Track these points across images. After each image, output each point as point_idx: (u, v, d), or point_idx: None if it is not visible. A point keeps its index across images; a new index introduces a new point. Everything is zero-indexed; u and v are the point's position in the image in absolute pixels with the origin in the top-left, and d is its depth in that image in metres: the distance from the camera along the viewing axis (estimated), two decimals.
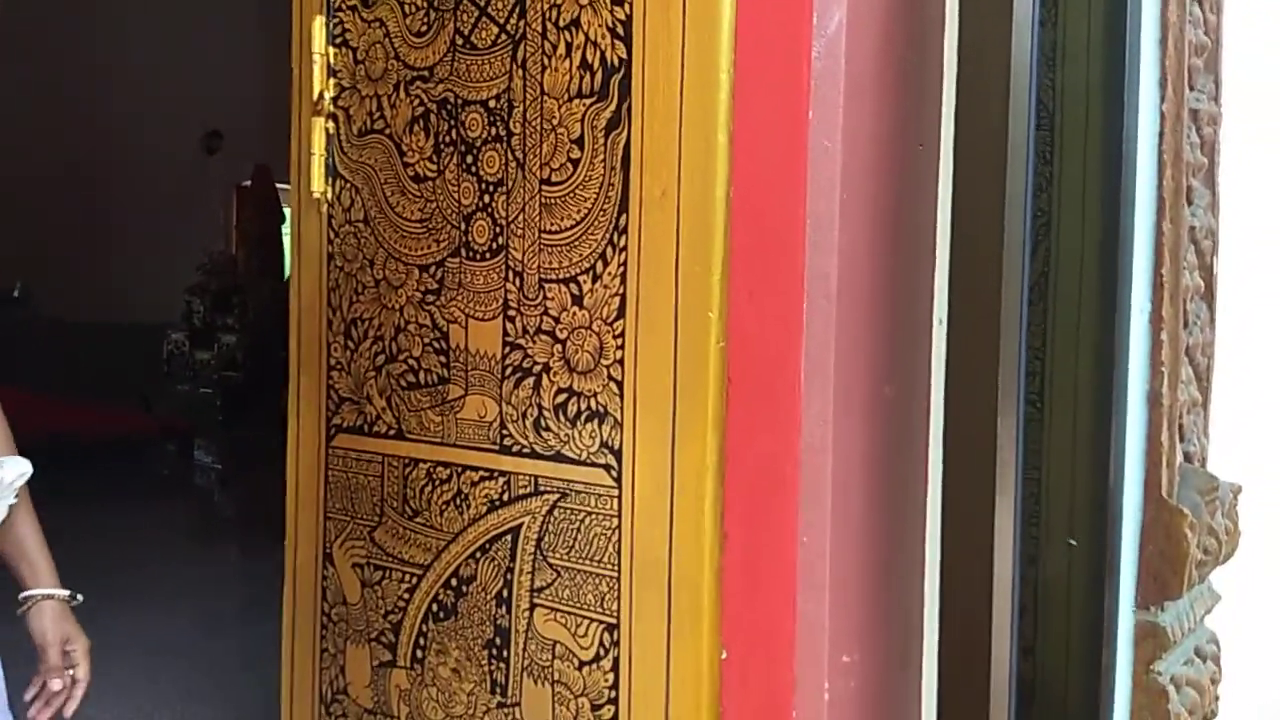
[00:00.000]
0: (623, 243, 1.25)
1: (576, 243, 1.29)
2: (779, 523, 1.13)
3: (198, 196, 7.98)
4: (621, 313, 1.25)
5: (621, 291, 1.25)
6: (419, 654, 1.45)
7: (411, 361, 1.47)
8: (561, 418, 1.31)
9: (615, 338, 1.26)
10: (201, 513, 5.63)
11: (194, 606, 3.77)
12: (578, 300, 1.29)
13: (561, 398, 1.31)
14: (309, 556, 1.60)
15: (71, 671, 1.20)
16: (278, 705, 1.64)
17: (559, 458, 1.31)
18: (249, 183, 8.12)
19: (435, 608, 1.43)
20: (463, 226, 1.40)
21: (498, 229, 1.36)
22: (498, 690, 1.36)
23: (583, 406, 1.29)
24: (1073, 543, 1.04)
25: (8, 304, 6.76)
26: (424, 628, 1.45)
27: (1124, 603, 1.05)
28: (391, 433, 1.50)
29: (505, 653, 1.35)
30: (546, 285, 1.32)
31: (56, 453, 5.88)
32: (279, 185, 8.44)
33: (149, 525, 5.18)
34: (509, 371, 1.36)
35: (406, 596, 1.47)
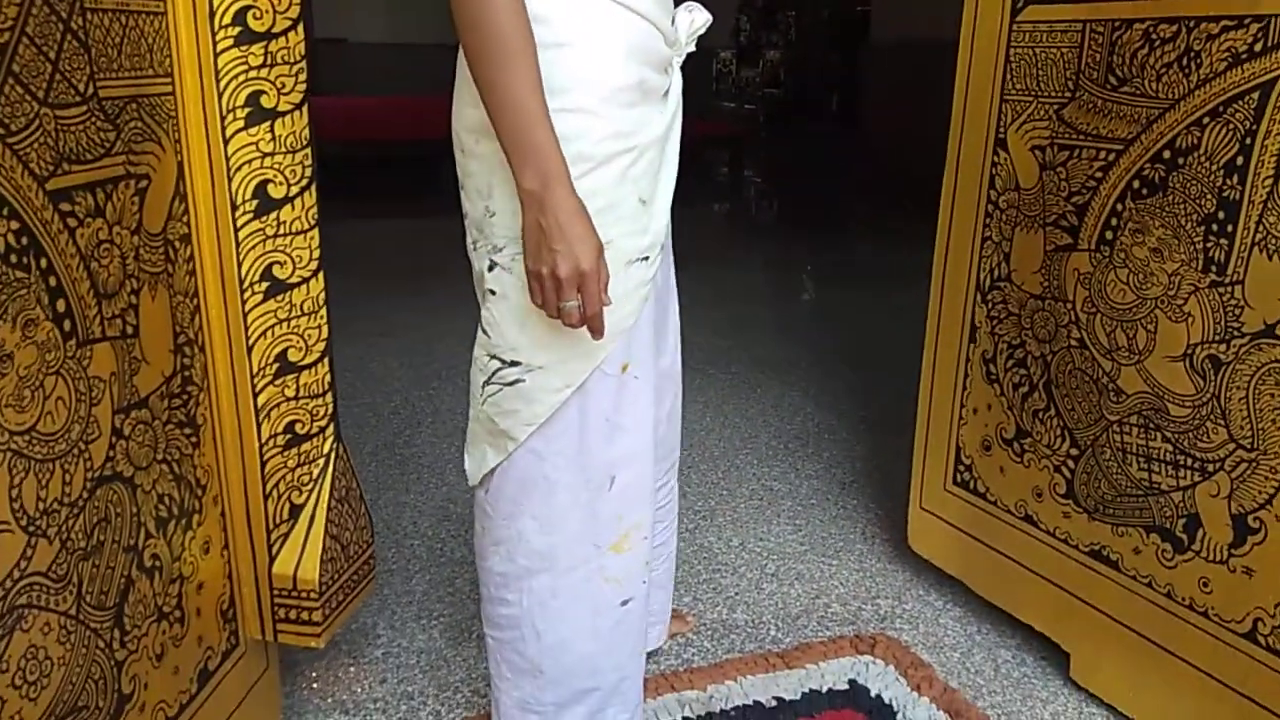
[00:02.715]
0: None
1: None
2: None
3: None
4: None
5: None
6: (1108, 235, 1.37)
7: None
8: None
9: None
10: (739, 216, 6.18)
11: (737, 275, 4.27)
12: None
13: None
14: (976, 144, 1.57)
15: None
16: (926, 298, 1.70)
17: None
18: None
19: (1137, 184, 1.32)
20: None
21: None
22: (1212, 268, 1.24)
23: None
24: None
25: None
26: (1118, 207, 1.35)
27: None
28: None
29: (1229, 228, 1.21)
30: None
31: None
32: None
33: (701, 219, 5.79)
34: None
35: (1099, 175, 1.38)
